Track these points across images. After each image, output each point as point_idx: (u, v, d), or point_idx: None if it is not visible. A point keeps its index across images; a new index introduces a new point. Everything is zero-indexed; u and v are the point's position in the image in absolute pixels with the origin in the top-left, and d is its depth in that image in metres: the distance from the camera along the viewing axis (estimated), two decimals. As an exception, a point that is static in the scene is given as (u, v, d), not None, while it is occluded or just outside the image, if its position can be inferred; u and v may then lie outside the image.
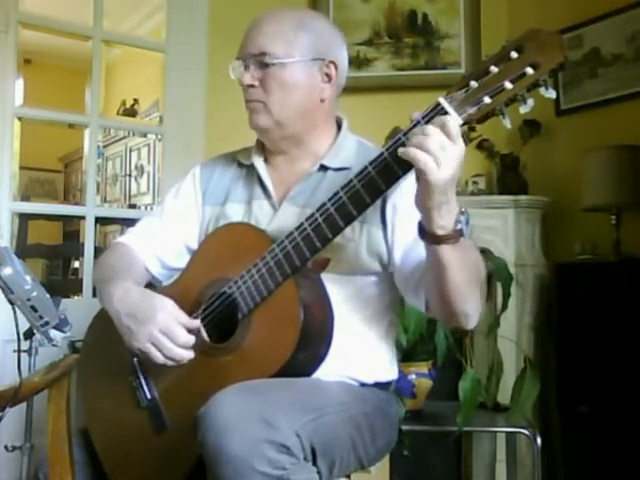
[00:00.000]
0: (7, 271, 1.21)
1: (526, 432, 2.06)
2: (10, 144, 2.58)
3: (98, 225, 3.25)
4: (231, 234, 1.30)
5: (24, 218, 4.03)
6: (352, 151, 1.36)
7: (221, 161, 1.49)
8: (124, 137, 5.38)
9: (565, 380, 2.52)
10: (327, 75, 1.34)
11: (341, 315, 1.20)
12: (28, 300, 1.24)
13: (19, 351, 1.28)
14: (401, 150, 1.01)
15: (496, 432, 2.42)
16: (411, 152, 0.99)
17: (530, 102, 1.01)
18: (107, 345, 1.38)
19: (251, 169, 1.42)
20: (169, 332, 1.18)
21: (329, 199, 1.13)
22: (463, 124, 1.01)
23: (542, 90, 1.00)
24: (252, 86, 1.32)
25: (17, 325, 1.25)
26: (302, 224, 1.15)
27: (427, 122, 1.02)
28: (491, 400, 2.19)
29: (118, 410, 1.34)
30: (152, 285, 1.40)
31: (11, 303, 1.23)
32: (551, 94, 1.00)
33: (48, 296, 1.28)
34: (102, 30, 2.79)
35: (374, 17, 3.04)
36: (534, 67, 0.98)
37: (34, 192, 6.02)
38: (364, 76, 2.93)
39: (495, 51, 1.03)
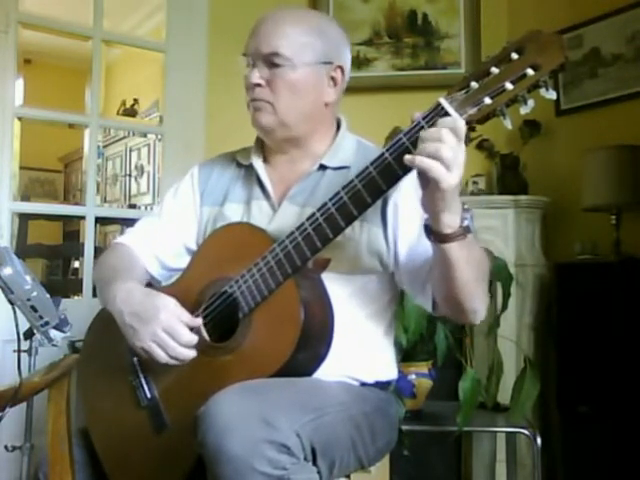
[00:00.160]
0: (7, 271, 1.21)
1: (526, 432, 2.05)
2: (10, 144, 2.58)
3: (98, 225, 3.25)
4: (232, 233, 1.30)
5: (24, 218, 4.03)
6: (351, 150, 1.36)
7: (219, 161, 1.49)
8: (124, 137, 5.38)
9: (565, 380, 2.52)
10: (333, 79, 1.34)
11: (341, 314, 1.20)
12: (28, 300, 1.24)
13: (19, 351, 1.28)
14: (409, 159, 1.00)
15: (496, 432, 2.42)
16: (424, 162, 0.98)
17: (530, 103, 1.01)
18: (107, 345, 1.38)
19: (250, 169, 1.42)
20: (172, 331, 1.18)
21: (330, 199, 1.13)
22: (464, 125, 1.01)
23: (542, 91, 1.00)
24: (259, 85, 1.31)
25: (17, 325, 1.25)
26: (303, 224, 1.15)
27: (428, 122, 1.02)
28: (491, 400, 2.19)
29: (118, 410, 1.34)
30: (152, 285, 1.40)
31: (11, 303, 1.23)
32: (551, 95, 1.00)
33: (48, 296, 1.28)
34: (102, 30, 2.79)
35: (374, 17, 3.04)
36: (535, 68, 0.99)
37: (34, 192, 6.02)
38: (364, 76, 2.93)
39: (496, 52, 1.03)
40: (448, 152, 0.97)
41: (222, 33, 2.91)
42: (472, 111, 1.01)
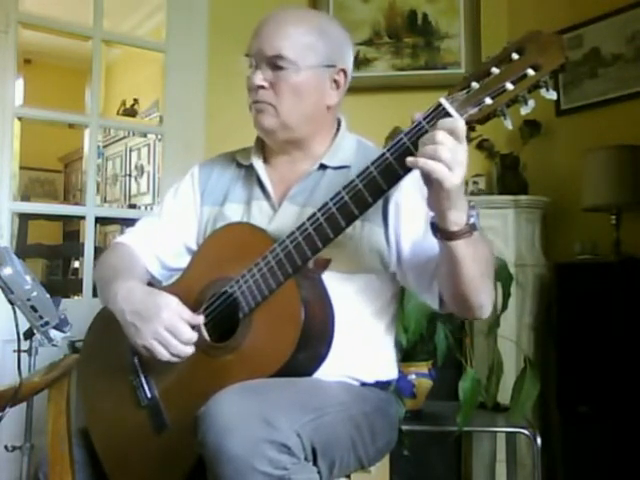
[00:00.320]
0: (7, 271, 1.21)
1: (526, 432, 2.05)
2: (10, 144, 2.58)
3: (98, 225, 3.25)
4: (232, 233, 1.30)
5: (24, 218, 4.03)
6: (351, 150, 1.37)
7: (220, 161, 1.49)
8: (124, 137, 5.39)
9: (565, 380, 2.52)
10: (336, 82, 1.34)
11: (342, 314, 1.20)
12: (28, 300, 1.24)
13: (19, 351, 1.28)
14: (412, 161, 1.01)
15: (496, 432, 2.42)
16: (427, 164, 0.99)
17: (531, 103, 1.01)
18: (107, 345, 1.39)
19: (250, 169, 1.42)
20: (173, 329, 1.18)
21: (331, 199, 1.13)
22: (464, 125, 1.01)
23: (543, 91, 1.00)
24: (262, 87, 1.31)
25: (17, 325, 1.25)
26: (303, 224, 1.15)
27: (429, 123, 1.03)
28: (491, 400, 2.19)
29: (118, 410, 1.34)
30: (152, 285, 1.40)
31: (11, 303, 1.23)
32: (552, 95, 1.00)
33: (48, 296, 1.28)
34: (102, 30, 2.79)
35: (374, 17, 3.04)
36: (535, 68, 0.99)
37: (34, 192, 6.02)
38: (364, 76, 2.93)
39: (496, 52, 1.03)
40: (447, 153, 0.98)
41: (222, 33, 2.91)
42: (473, 111, 1.01)
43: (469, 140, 1.02)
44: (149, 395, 1.29)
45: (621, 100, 2.66)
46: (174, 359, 1.19)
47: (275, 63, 1.29)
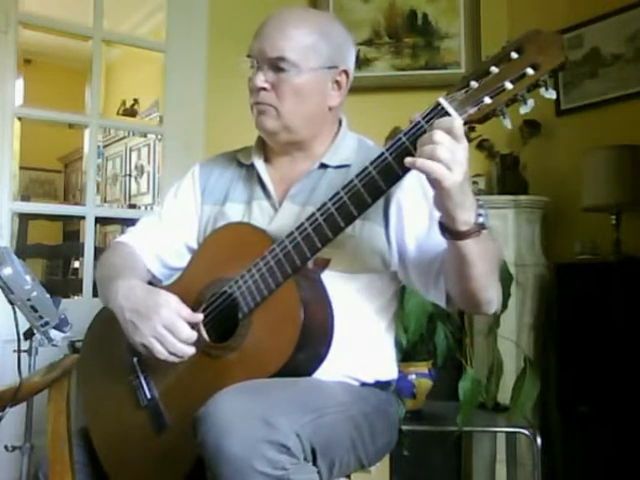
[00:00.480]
0: (7, 271, 1.21)
1: (526, 432, 2.05)
2: (10, 144, 2.59)
3: (98, 225, 3.26)
4: (232, 234, 1.30)
5: (24, 218, 4.03)
6: (352, 149, 1.37)
7: (220, 160, 1.49)
8: (124, 137, 5.39)
9: (565, 380, 2.52)
10: (337, 83, 1.34)
11: (342, 314, 1.20)
12: (28, 300, 1.24)
13: (19, 351, 1.28)
14: (410, 161, 1.01)
15: (496, 432, 2.42)
16: (425, 165, 0.99)
17: (530, 102, 1.01)
18: (107, 345, 1.39)
19: (251, 169, 1.42)
20: (172, 327, 1.18)
21: (330, 199, 1.13)
22: (464, 124, 1.01)
23: (542, 90, 1.00)
24: (264, 89, 1.30)
25: (17, 325, 1.25)
26: (303, 224, 1.15)
27: (428, 122, 1.03)
28: (491, 400, 2.19)
29: (118, 410, 1.34)
30: (153, 284, 1.40)
31: (11, 303, 1.23)
32: (551, 94, 1.00)
33: (48, 296, 1.28)
34: (102, 30, 2.79)
35: (374, 17, 3.04)
36: (534, 67, 0.99)
37: (34, 192, 6.02)
38: (364, 76, 2.93)
39: (495, 51, 1.03)
40: (444, 153, 0.98)
41: (222, 33, 2.91)
42: (472, 111, 1.01)
43: (469, 140, 1.02)
44: (149, 395, 1.29)
45: (621, 100, 2.66)
46: (172, 358, 1.19)
47: (277, 65, 1.29)
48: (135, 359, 1.31)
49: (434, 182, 1.01)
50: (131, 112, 5.40)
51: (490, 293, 1.17)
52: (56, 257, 5.47)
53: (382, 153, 1.08)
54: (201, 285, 1.27)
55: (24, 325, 1.30)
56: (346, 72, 1.35)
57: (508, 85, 1.00)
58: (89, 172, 2.80)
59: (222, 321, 1.23)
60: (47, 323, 1.28)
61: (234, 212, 1.38)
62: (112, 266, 1.38)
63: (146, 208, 4.76)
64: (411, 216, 1.25)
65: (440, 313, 2.08)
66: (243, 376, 1.13)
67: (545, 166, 2.89)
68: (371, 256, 1.28)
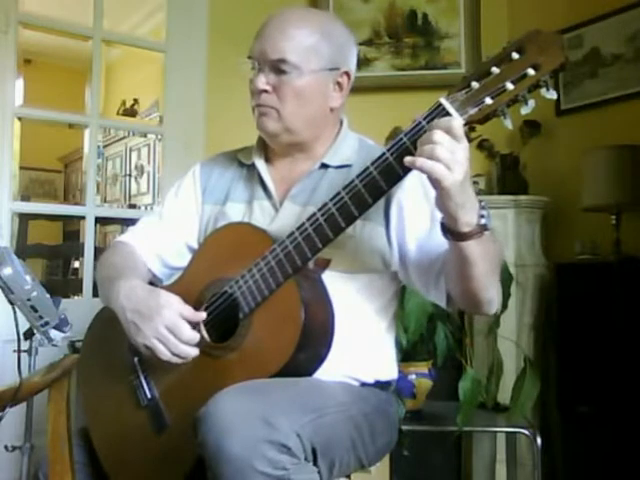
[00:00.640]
0: (7, 271, 1.21)
1: (526, 432, 2.05)
2: (10, 144, 2.59)
3: (98, 225, 3.26)
4: (232, 234, 1.30)
5: (24, 218, 4.03)
6: (353, 149, 1.37)
7: (221, 160, 1.49)
8: (124, 137, 5.39)
9: (565, 380, 2.52)
10: (339, 84, 1.34)
11: (343, 314, 1.20)
12: (28, 300, 1.24)
13: (19, 351, 1.28)
14: (409, 161, 1.01)
15: (496, 432, 2.42)
16: (425, 165, 0.99)
17: (531, 103, 1.01)
18: (107, 345, 1.39)
19: (252, 169, 1.42)
20: (174, 328, 1.18)
21: (330, 199, 1.13)
22: (464, 124, 1.01)
23: (543, 91, 1.00)
24: (265, 91, 1.30)
25: (17, 325, 1.25)
26: (303, 224, 1.15)
27: (429, 123, 1.03)
28: (491, 400, 2.19)
29: (118, 410, 1.34)
30: (154, 284, 1.40)
31: (11, 303, 1.23)
32: (552, 95, 1.00)
33: (48, 296, 1.28)
34: (102, 30, 2.79)
35: (374, 17, 3.04)
36: (535, 68, 0.99)
37: (34, 192, 6.02)
38: (364, 76, 2.93)
39: (496, 52, 1.03)
40: (444, 152, 0.98)
41: (222, 33, 2.91)
42: (473, 111, 1.01)
43: (469, 140, 1.02)
44: (149, 395, 1.29)
45: (621, 100, 2.66)
46: (175, 359, 1.19)
47: (278, 67, 1.28)
48: (135, 359, 1.31)
49: (434, 182, 1.01)
50: (131, 112, 5.40)
51: (491, 293, 1.17)
52: (56, 257, 5.47)
53: (383, 153, 1.08)
54: (202, 285, 1.27)
55: (24, 325, 1.30)
56: (347, 73, 1.35)
57: (509, 85, 1.00)
58: (89, 172, 2.80)
59: (222, 321, 1.23)
60: (47, 323, 1.28)
61: (235, 212, 1.38)
62: (113, 266, 1.38)
63: (146, 208, 4.76)
64: (412, 216, 1.25)
65: (440, 313, 2.08)
66: (243, 376, 1.13)
67: (545, 166, 2.89)
68: (371, 256, 1.27)
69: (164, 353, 1.18)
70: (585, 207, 2.57)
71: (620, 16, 2.68)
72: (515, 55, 1.00)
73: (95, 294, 2.59)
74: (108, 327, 1.33)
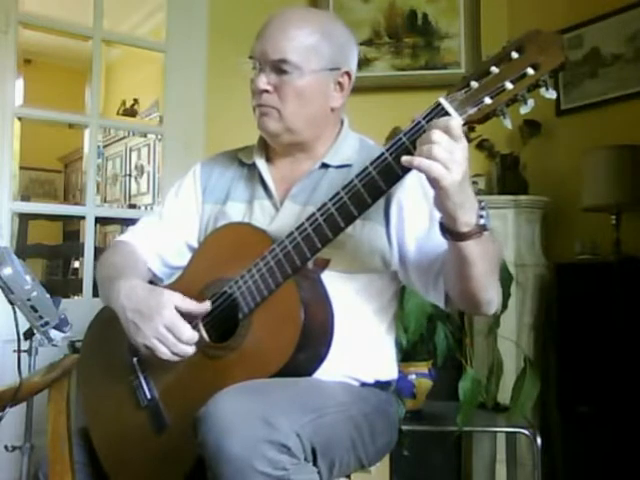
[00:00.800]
0: (7, 271, 1.21)
1: (526, 432, 2.05)
2: (10, 144, 2.59)
3: (98, 225, 3.26)
4: (232, 234, 1.30)
5: (24, 218, 4.03)
6: (353, 149, 1.37)
7: (222, 159, 1.49)
8: (124, 137, 5.39)
9: (565, 380, 2.52)
10: (340, 84, 1.34)
11: (342, 314, 1.20)
12: (28, 300, 1.24)
13: (19, 351, 1.28)
14: (407, 160, 1.01)
15: (496, 432, 2.42)
16: (423, 164, 0.99)
17: (531, 102, 1.01)
18: (107, 345, 1.38)
19: (252, 168, 1.42)
20: (174, 328, 1.18)
21: (330, 199, 1.13)
22: (464, 124, 1.01)
23: (542, 90, 1.00)
24: (266, 91, 1.30)
25: (17, 325, 1.25)
26: (302, 224, 1.15)
27: (428, 122, 1.02)
28: (491, 400, 2.19)
29: (118, 410, 1.34)
30: (154, 283, 1.40)
31: (11, 303, 1.23)
32: (552, 94, 1.00)
33: (48, 296, 1.28)
34: (102, 30, 2.79)
35: (374, 17, 3.04)
36: (535, 67, 0.99)
37: (34, 192, 6.02)
38: (364, 76, 2.92)
39: (495, 51, 1.03)
40: (442, 152, 0.98)
41: (222, 33, 2.91)
42: (472, 111, 1.01)
43: (469, 140, 1.02)
44: (149, 396, 1.29)
45: (621, 100, 2.66)
46: (175, 358, 1.19)
47: (279, 67, 1.28)
48: (135, 359, 1.31)
49: (433, 181, 1.00)
50: (131, 112, 5.40)
51: (490, 294, 1.16)
52: (56, 257, 5.47)
53: (382, 153, 1.08)
54: (201, 285, 1.27)
55: (24, 325, 1.30)
56: (348, 73, 1.35)
57: (508, 85, 1.00)
58: (89, 172, 2.80)
59: (222, 321, 1.23)
60: (47, 323, 1.28)
61: (235, 211, 1.38)
62: (113, 265, 1.38)
63: (146, 208, 4.76)
64: (412, 216, 1.25)
65: (440, 313, 2.08)
66: (243, 376, 1.13)
67: (545, 166, 2.89)
68: (371, 256, 1.27)
69: (164, 353, 1.18)
70: (585, 207, 2.57)
71: (620, 16, 2.68)
72: (514, 55, 1.00)
73: (95, 294, 2.59)
74: (108, 327, 1.33)
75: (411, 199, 1.25)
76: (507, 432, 2.24)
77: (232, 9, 2.96)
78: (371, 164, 1.09)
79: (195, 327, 1.22)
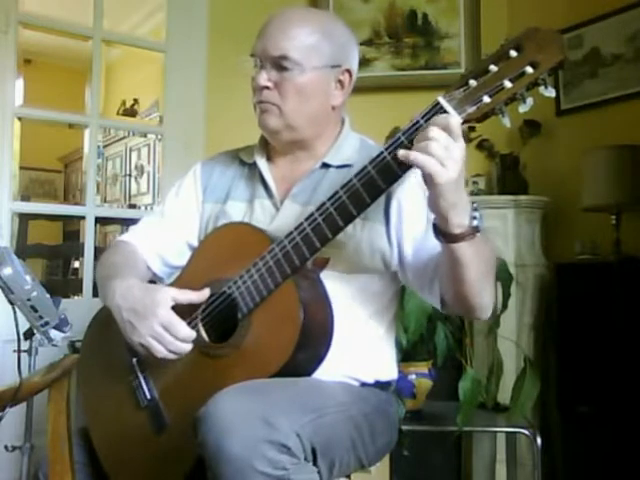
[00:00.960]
0: (7, 271, 1.21)
1: (526, 432, 2.05)
2: (10, 144, 2.59)
3: (98, 225, 3.26)
4: (231, 234, 1.30)
5: (24, 218, 4.04)
6: (354, 149, 1.37)
7: (222, 158, 1.49)
8: (124, 137, 5.39)
9: (565, 380, 2.52)
10: (340, 82, 1.34)
11: (342, 314, 1.20)
12: (28, 300, 1.24)
13: (19, 351, 1.28)
14: (403, 155, 1.01)
15: (496, 432, 2.42)
16: (418, 158, 0.99)
17: (529, 101, 1.01)
18: (107, 345, 1.38)
19: (253, 168, 1.42)
20: (170, 326, 1.18)
21: (328, 198, 1.13)
22: (462, 123, 1.01)
23: (541, 89, 1.00)
24: (267, 87, 1.30)
25: (17, 325, 1.26)
26: (302, 224, 1.15)
27: (427, 121, 1.02)
28: (491, 400, 2.19)
29: (118, 410, 1.34)
30: (154, 283, 1.40)
31: (11, 303, 1.23)
32: (550, 93, 1.00)
33: (48, 296, 1.28)
34: (102, 30, 2.79)
35: (374, 17, 3.04)
36: (533, 66, 0.98)
37: (34, 192, 6.02)
38: (364, 76, 2.90)
39: (494, 50, 1.02)
40: (438, 148, 0.98)
41: (222, 33, 2.91)
42: (471, 109, 1.01)
43: (469, 140, 1.02)
44: (148, 396, 1.29)
45: (621, 100, 2.66)
46: (171, 356, 1.19)
47: (280, 64, 1.29)
48: (134, 359, 1.31)
49: (427, 178, 1.00)
50: (131, 112, 5.40)
51: (484, 299, 1.16)
52: (56, 257, 5.47)
53: (381, 152, 1.08)
54: (200, 285, 1.26)
55: (24, 325, 1.30)
56: (349, 71, 1.35)
57: (507, 84, 0.99)
58: (89, 172, 2.80)
59: (221, 321, 1.23)
60: (47, 323, 1.28)
61: (236, 210, 1.38)
62: (112, 265, 1.38)
63: (146, 208, 4.76)
64: (410, 217, 1.25)
65: (440, 313, 2.07)
66: (243, 376, 1.13)
67: (545, 166, 2.89)
68: (371, 256, 1.27)
69: (161, 351, 1.18)
70: (585, 207, 2.57)
71: (620, 16, 2.68)
72: (513, 53, 1.00)
73: (95, 294, 2.59)
74: (108, 327, 1.33)
75: (410, 200, 1.25)
76: (507, 432, 2.24)
77: (232, 9, 2.96)
78: (370, 163, 1.09)
79: (194, 327, 1.22)
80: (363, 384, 1.31)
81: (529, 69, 0.99)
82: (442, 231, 1.07)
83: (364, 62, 2.98)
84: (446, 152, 0.98)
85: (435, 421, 2.15)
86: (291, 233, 1.16)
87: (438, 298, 1.23)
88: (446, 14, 3.01)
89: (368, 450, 1.25)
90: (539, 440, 2.02)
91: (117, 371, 1.35)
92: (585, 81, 2.79)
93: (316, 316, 1.15)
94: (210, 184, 1.44)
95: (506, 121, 1.02)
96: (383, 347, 1.36)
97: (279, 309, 1.16)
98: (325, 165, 1.34)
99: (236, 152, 1.48)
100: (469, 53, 2.95)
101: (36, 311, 1.26)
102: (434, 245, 1.15)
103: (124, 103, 5.49)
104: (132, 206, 5.11)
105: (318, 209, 1.14)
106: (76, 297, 3.34)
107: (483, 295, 1.15)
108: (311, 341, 1.14)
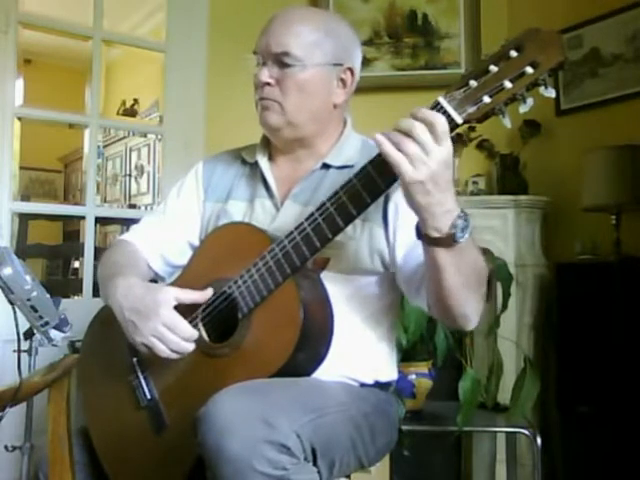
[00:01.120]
0: (7, 271, 1.21)
1: (526, 432, 2.05)
2: (10, 144, 2.59)
3: (98, 225, 3.26)
4: (231, 233, 1.30)
5: (24, 218, 4.03)
6: (355, 149, 1.36)
7: (224, 157, 1.49)
8: (124, 137, 5.39)
9: (565, 380, 2.52)
10: (342, 81, 1.34)
11: (341, 315, 1.20)
12: (28, 300, 1.24)
13: (19, 351, 1.28)
14: (379, 140, 0.99)
15: (496, 432, 2.42)
16: (388, 151, 0.97)
17: (530, 101, 1.01)
18: (107, 345, 1.38)
19: (255, 167, 1.42)
20: (172, 326, 1.17)
21: (328, 198, 1.13)
22: (463, 123, 1.01)
23: (542, 89, 1.00)
24: (268, 84, 1.30)
25: (17, 325, 1.26)
26: (302, 224, 1.15)
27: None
28: (491, 400, 2.19)
29: (118, 410, 1.34)
30: (155, 282, 1.40)
31: (11, 303, 1.23)
32: (550, 93, 1.00)
33: (48, 296, 1.28)
34: (102, 30, 2.79)
35: (374, 17, 3.04)
36: (534, 66, 0.98)
37: (34, 192, 6.02)
38: (364, 76, 2.88)
39: (495, 50, 1.02)
40: (412, 147, 0.96)
41: (222, 33, 2.91)
42: (471, 110, 1.01)
43: (469, 140, 1.01)
44: (148, 396, 1.29)
45: (621, 100, 2.66)
46: (174, 355, 1.19)
47: (282, 60, 1.29)
48: (135, 359, 1.31)
49: (397, 173, 0.99)
50: (131, 112, 5.39)
51: (466, 309, 1.15)
52: (56, 257, 5.47)
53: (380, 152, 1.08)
54: (200, 285, 1.26)
55: (24, 325, 1.30)
56: (351, 70, 1.35)
57: (507, 84, 0.99)
58: (89, 172, 2.80)
59: (222, 321, 1.23)
60: (47, 323, 1.28)
61: (236, 210, 1.37)
62: (113, 264, 1.38)
63: (146, 208, 4.76)
64: (405, 219, 1.23)
65: (440, 313, 2.07)
66: (243, 376, 1.13)
67: (545, 166, 2.89)
68: (371, 257, 1.27)
69: (163, 350, 1.18)
70: (585, 207, 2.57)
71: (620, 16, 2.69)
72: (513, 53, 1.00)
73: (95, 294, 2.59)
74: (108, 327, 1.33)
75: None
76: (507, 432, 2.24)
77: (232, 9, 2.96)
78: (370, 163, 1.09)
79: (195, 327, 1.22)
80: (362, 384, 1.31)
81: (529, 69, 0.98)
82: (421, 231, 1.06)
83: (364, 62, 2.94)
84: (420, 152, 0.96)
85: (435, 421, 2.15)
86: (291, 233, 1.16)
87: (425, 303, 1.22)
88: (446, 14, 3.01)
89: (368, 450, 1.25)
90: (539, 440, 2.02)
91: (117, 371, 1.35)
92: (585, 81, 2.79)
93: (316, 316, 1.15)
94: (212, 183, 1.44)
95: (506, 121, 1.01)
96: (383, 348, 1.36)
97: (279, 309, 1.16)
98: (326, 165, 1.34)
99: (238, 151, 1.48)
100: (469, 53, 2.95)
101: (36, 311, 1.26)
102: (421, 252, 1.14)
103: (124, 103, 5.49)
104: (132, 206, 5.11)
105: (318, 209, 1.14)
106: (76, 297, 3.34)
107: (465, 306, 1.14)
108: (311, 341, 1.14)
